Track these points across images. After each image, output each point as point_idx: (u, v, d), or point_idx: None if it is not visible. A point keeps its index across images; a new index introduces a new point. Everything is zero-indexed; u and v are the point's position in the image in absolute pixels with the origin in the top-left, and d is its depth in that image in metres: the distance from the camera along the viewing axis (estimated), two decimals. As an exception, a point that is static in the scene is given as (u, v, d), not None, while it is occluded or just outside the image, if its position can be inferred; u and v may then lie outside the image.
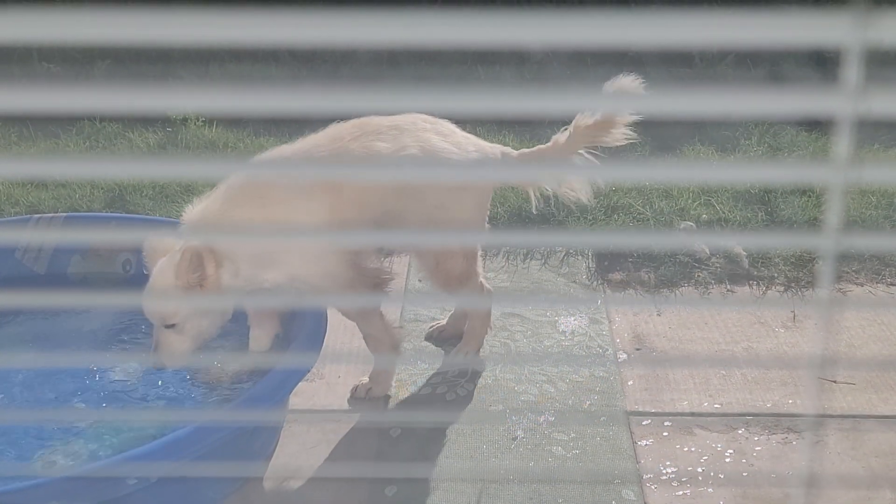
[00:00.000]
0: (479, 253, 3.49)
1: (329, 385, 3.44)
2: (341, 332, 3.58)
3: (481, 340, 3.57)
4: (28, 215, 3.60)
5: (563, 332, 3.78)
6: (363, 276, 3.10)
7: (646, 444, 3.15)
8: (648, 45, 0.72)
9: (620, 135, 3.23)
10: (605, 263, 4.26)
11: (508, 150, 3.35)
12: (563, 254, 4.34)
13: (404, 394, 3.40)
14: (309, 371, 3.20)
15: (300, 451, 3.12)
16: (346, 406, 3.34)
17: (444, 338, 3.71)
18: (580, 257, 4.31)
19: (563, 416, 3.28)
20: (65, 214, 3.48)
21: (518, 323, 3.83)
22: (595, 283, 4.13)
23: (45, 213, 3.60)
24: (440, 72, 5.54)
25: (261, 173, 2.89)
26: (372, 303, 3.18)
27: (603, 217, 4.47)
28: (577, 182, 3.33)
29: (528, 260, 4.32)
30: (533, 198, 3.46)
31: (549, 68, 5.84)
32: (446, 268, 3.29)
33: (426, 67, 5.66)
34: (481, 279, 3.49)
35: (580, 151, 3.25)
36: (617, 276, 4.17)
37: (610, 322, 3.85)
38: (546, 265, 4.28)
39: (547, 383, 3.46)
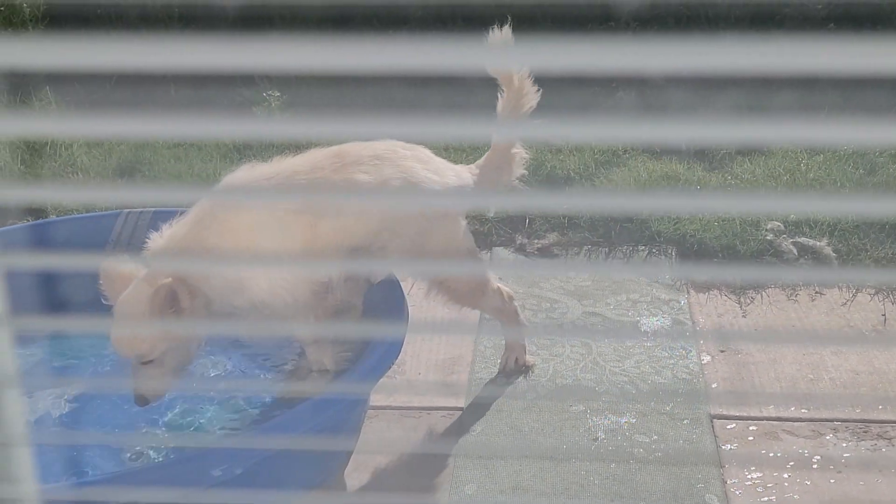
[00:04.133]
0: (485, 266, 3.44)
1: (410, 382, 3.45)
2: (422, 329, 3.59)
3: (523, 343, 3.54)
4: (118, 210, 3.66)
5: (646, 332, 3.74)
6: (326, 305, 3.01)
7: (730, 449, 3.10)
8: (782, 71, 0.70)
9: (530, 94, 3.14)
10: (690, 263, 4.20)
11: (471, 167, 3.25)
12: (646, 253, 4.28)
13: (485, 393, 3.39)
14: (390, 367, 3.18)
15: (381, 448, 3.13)
16: (426, 403, 3.35)
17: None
18: (663, 257, 4.26)
19: (645, 418, 3.24)
20: (153, 209, 3.53)
21: (599, 323, 3.80)
22: (678, 283, 4.07)
23: (134, 207, 3.66)
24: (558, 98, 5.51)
25: (238, 199, 2.82)
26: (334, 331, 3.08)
27: (687, 217, 4.40)
28: (516, 147, 3.27)
29: (609, 259, 4.27)
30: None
31: (667, 93, 5.75)
32: (453, 288, 3.24)
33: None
34: (497, 285, 3.39)
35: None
36: (701, 276, 4.10)
37: (694, 323, 3.79)
38: (628, 265, 4.23)
39: (628, 384, 3.42)
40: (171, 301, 2.67)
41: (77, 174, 4.96)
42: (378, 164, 2.96)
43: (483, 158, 3.28)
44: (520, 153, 3.26)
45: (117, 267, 2.80)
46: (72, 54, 0.79)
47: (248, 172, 2.98)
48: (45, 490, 2.44)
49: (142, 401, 2.78)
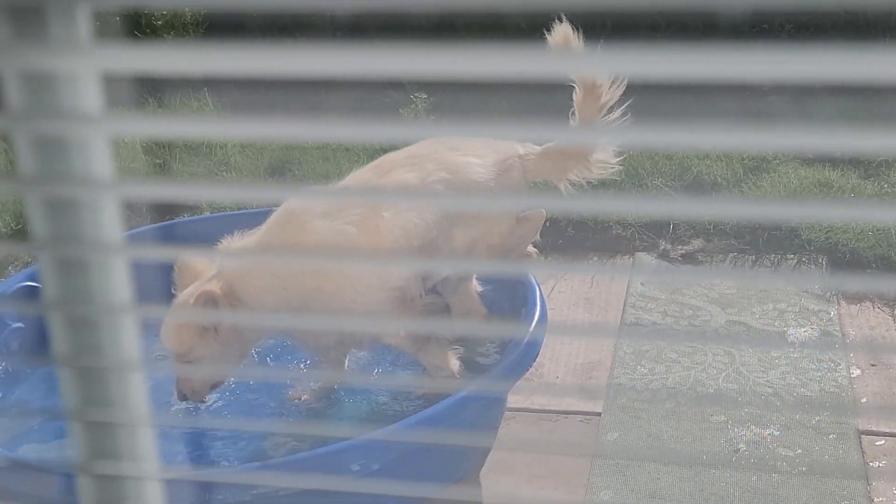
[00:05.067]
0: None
1: (548, 384, 3.45)
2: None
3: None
4: (267, 208, 3.77)
5: (793, 343, 3.63)
6: (411, 309, 2.95)
7: (879, 466, 2.99)
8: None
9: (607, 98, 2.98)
10: (842, 273, 4.06)
11: (530, 145, 3.10)
12: (795, 262, 4.16)
13: (624, 399, 3.36)
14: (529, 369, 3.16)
15: (516, 450, 3.14)
16: (563, 406, 3.34)
17: None
18: (813, 266, 4.13)
19: (790, 431, 3.15)
20: None
21: (744, 332, 3.71)
22: (829, 293, 3.94)
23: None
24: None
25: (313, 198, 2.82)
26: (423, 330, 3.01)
27: (839, 225, 4.26)
28: (602, 152, 3.05)
29: (756, 267, 4.17)
30: (563, 192, 3.14)
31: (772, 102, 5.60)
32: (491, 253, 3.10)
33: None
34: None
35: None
36: (853, 287, 3.96)
37: (843, 335, 3.66)
38: (776, 273, 4.12)
39: (773, 396, 3.33)
40: (209, 308, 2.70)
41: (230, 173, 5.14)
42: (417, 162, 2.96)
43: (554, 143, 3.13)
44: (601, 159, 3.07)
45: (191, 262, 2.85)
46: (229, 60, 0.83)
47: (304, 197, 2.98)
48: (188, 475, 2.54)
49: (180, 396, 2.83)
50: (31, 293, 3.28)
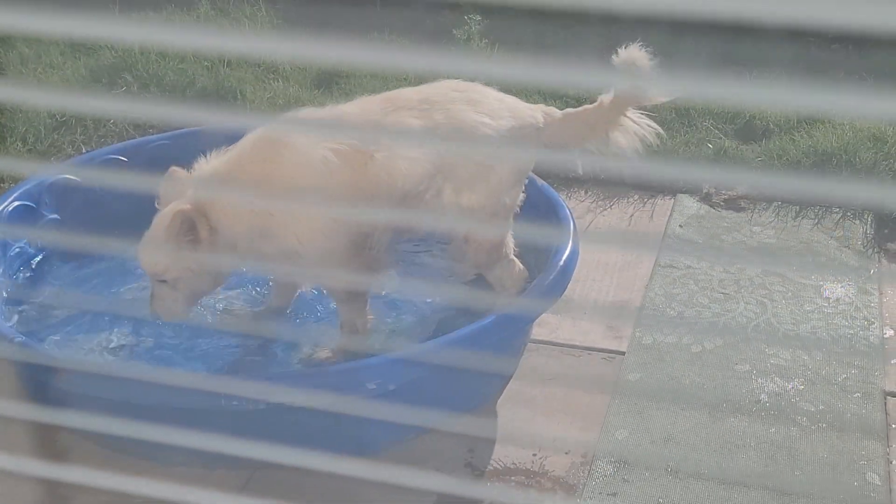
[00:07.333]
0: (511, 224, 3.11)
1: (574, 320, 3.43)
2: (593, 269, 3.55)
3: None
4: None
5: (827, 298, 3.57)
6: (363, 259, 2.89)
7: (901, 429, 2.95)
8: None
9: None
10: (885, 231, 3.98)
11: (551, 110, 3.01)
12: (840, 215, 4.08)
13: (649, 341, 3.34)
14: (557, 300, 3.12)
15: (536, 382, 3.13)
16: (587, 342, 3.32)
17: None
18: (858, 221, 4.04)
19: (814, 385, 3.12)
20: None
21: (779, 283, 3.65)
22: (871, 250, 3.86)
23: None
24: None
25: (286, 132, 2.75)
26: (366, 286, 2.96)
27: (890, 181, 4.16)
28: (624, 137, 2.97)
29: (799, 218, 4.10)
30: (579, 164, 3.00)
31: None
32: (477, 241, 3.03)
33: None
34: (513, 257, 3.16)
35: (627, 113, 2.96)
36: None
37: (881, 294, 3.60)
38: (819, 226, 4.04)
39: (801, 349, 3.29)
40: (188, 230, 2.66)
41: (278, 81, 5.11)
42: (428, 109, 2.85)
43: (579, 109, 3.04)
44: (636, 126, 3.00)
45: (180, 177, 2.79)
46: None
47: (302, 115, 2.91)
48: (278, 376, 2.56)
49: (154, 316, 2.83)
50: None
